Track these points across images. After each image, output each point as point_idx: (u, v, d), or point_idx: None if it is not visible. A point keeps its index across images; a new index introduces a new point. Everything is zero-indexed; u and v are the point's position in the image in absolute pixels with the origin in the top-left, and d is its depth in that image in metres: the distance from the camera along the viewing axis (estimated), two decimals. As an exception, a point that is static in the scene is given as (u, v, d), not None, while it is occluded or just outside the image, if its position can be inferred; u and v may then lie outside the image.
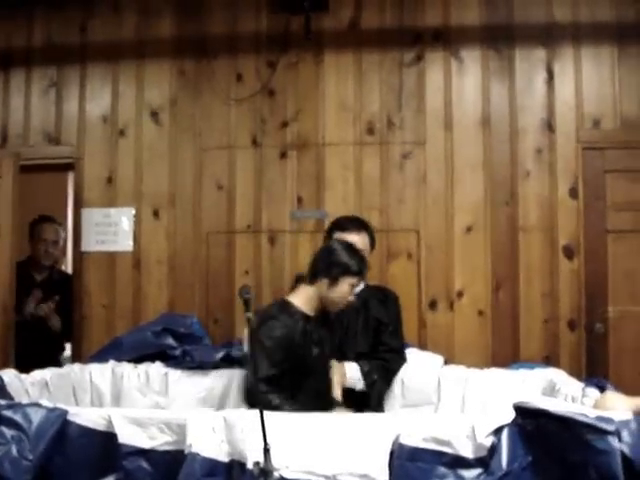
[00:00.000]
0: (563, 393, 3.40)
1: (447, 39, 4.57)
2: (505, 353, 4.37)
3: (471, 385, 3.92)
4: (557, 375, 3.76)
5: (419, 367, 3.93)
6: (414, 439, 2.52)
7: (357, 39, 4.63)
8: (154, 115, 4.74)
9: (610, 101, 4.48)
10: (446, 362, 4.12)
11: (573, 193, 4.44)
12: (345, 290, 3.32)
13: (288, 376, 3.20)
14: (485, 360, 4.30)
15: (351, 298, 3.39)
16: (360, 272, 3.35)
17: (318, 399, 3.33)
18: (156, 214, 4.70)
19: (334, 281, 3.30)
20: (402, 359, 3.84)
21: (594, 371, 4.23)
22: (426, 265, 4.45)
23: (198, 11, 4.71)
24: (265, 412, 2.41)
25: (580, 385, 3.37)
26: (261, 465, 2.32)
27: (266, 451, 2.33)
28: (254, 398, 3.07)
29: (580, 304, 4.40)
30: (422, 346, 4.26)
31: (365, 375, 3.61)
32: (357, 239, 3.59)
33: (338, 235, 3.64)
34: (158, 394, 4.13)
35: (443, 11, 4.58)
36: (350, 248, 3.39)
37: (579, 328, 4.39)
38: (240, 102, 4.67)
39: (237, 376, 4.13)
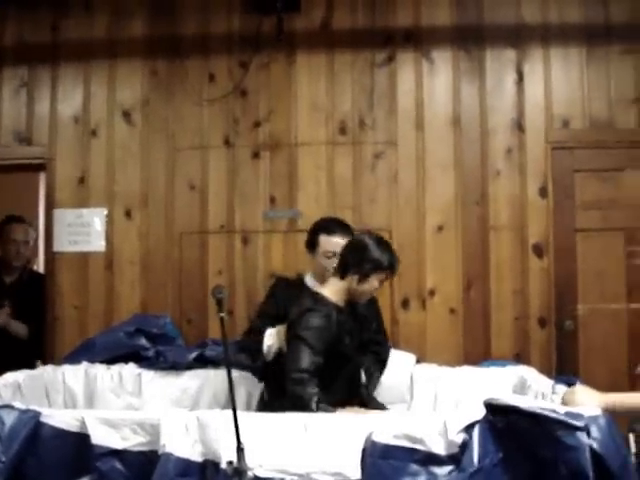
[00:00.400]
0: (534, 390, 3.46)
1: (418, 40, 4.60)
2: (477, 351, 4.41)
3: (443, 383, 3.97)
4: (528, 372, 3.81)
5: (392, 366, 3.95)
6: (386, 436, 2.54)
7: (329, 40, 4.64)
8: (126, 115, 4.72)
9: (579, 102, 4.53)
10: (418, 360, 4.19)
11: (543, 192, 4.48)
12: (375, 285, 3.35)
13: (325, 366, 3.22)
14: (457, 358, 4.34)
15: (378, 289, 3.44)
16: (391, 267, 3.37)
17: (351, 388, 3.43)
18: (128, 214, 4.68)
19: (365, 277, 3.31)
20: (389, 349, 3.94)
21: (564, 368, 4.28)
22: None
23: (170, 11, 4.70)
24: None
25: (550, 382, 3.43)
26: (234, 464, 2.33)
27: (240, 450, 2.35)
28: (297, 389, 3.11)
29: (550, 302, 4.45)
30: (395, 345, 4.25)
31: (365, 370, 3.67)
32: (343, 243, 3.60)
33: (324, 238, 3.67)
34: (131, 395, 4.13)
35: (414, 12, 4.60)
36: (382, 242, 3.39)
37: (549, 326, 4.43)
38: (212, 102, 4.66)
39: (211, 376, 4.15)
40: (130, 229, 4.68)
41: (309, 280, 3.81)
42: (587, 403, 2.59)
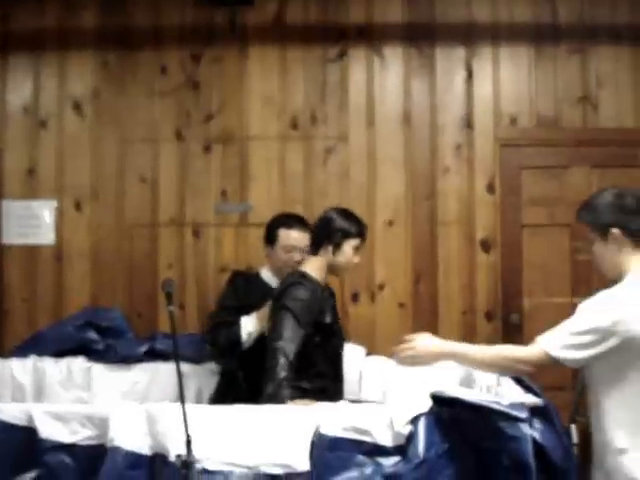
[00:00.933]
0: (479, 383, 3.51)
1: (370, 36, 4.63)
2: (425, 344, 4.46)
3: (392, 376, 4.01)
4: (474, 366, 3.88)
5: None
6: (334, 429, 2.58)
7: (282, 34, 4.64)
8: (76, 107, 4.66)
9: (527, 100, 4.61)
10: (368, 353, 4.23)
11: (490, 188, 4.56)
12: (349, 252, 3.43)
13: (309, 339, 3.29)
14: (406, 351, 4.38)
15: (356, 260, 3.49)
16: (360, 233, 3.47)
17: (336, 370, 3.53)
18: (78, 207, 4.63)
19: (337, 246, 3.41)
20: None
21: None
22: (348, 258, 4.51)
23: (122, 2, 4.65)
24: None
25: (494, 375, 3.49)
26: (183, 457, 2.35)
27: (188, 443, 2.36)
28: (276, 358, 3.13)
29: (497, 296, 4.53)
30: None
31: None
32: (302, 237, 3.69)
33: (284, 232, 3.74)
34: (81, 389, 4.12)
35: (367, 8, 4.63)
36: (347, 212, 3.52)
37: (495, 319, 4.52)
38: (164, 95, 4.64)
39: (161, 370, 4.15)
40: (80, 222, 4.63)
41: (265, 274, 3.87)
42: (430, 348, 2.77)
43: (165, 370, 4.14)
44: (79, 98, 4.68)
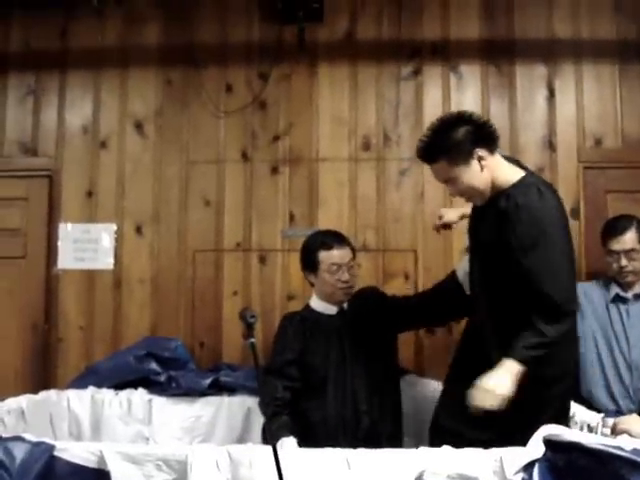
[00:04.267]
0: (578, 422, 3.23)
1: (446, 53, 4.44)
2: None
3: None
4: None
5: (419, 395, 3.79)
6: (439, 477, 2.38)
7: (352, 51, 4.47)
8: (138, 126, 4.52)
9: (612, 119, 4.39)
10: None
11: (574, 213, 4.30)
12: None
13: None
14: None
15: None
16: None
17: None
18: (139, 231, 4.47)
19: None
20: None
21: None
22: (424, 286, 4.22)
23: (187, 18, 4.51)
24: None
25: (594, 414, 3.22)
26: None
27: (284, 493, 2.12)
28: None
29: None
30: (420, 372, 4.10)
31: None
32: (344, 253, 3.45)
33: (323, 254, 3.46)
34: (141, 422, 3.94)
35: (442, 24, 4.45)
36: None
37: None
38: (230, 114, 4.47)
39: (226, 404, 3.98)
40: (140, 246, 4.46)
41: (314, 303, 3.59)
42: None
43: (230, 404, 3.98)
44: (141, 117, 4.54)
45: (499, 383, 2.66)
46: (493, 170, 2.84)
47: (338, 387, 3.36)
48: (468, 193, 2.89)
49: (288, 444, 3.06)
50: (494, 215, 2.84)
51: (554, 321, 2.68)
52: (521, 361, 2.67)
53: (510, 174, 2.87)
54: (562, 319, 2.71)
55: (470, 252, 3.16)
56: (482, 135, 2.84)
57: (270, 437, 2.50)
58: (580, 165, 4.36)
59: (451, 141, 2.81)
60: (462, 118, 2.89)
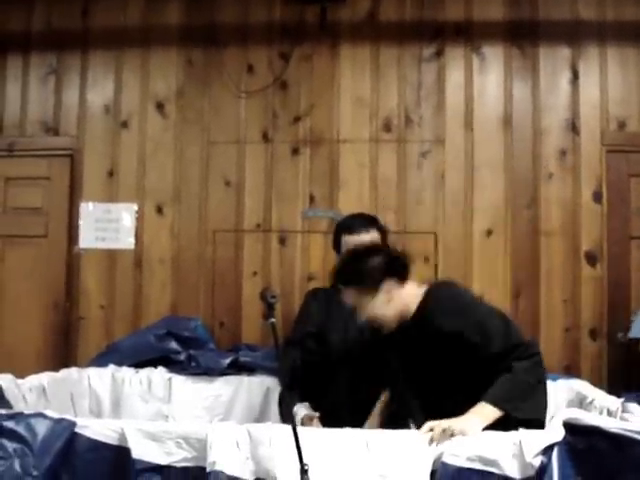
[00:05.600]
0: (597, 407, 3.22)
1: (469, 34, 4.40)
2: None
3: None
4: (583, 387, 3.60)
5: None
6: (458, 458, 2.36)
7: (375, 32, 4.44)
8: (159, 106, 4.53)
9: (636, 102, 4.34)
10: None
11: (597, 197, 4.28)
12: None
13: None
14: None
15: None
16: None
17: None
18: (160, 211, 4.48)
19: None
20: None
21: (615, 382, 4.07)
22: (443, 269, 4.26)
23: (208, -3, 4.50)
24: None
25: (613, 398, 3.20)
26: (299, 488, 2.12)
27: (303, 473, 2.13)
28: None
29: (602, 312, 4.25)
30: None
31: None
32: (367, 238, 3.39)
33: (347, 238, 3.45)
34: (161, 401, 3.96)
35: (465, 5, 4.41)
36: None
37: (601, 337, 4.23)
38: (251, 95, 4.46)
39: (245, 383, 4.00)
40: (161, 226, 4.48)
41: None
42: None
43: (249, 384, 3.99)
44: (162, 98, 4.54)
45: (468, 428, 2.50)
46: (404, 299, 2.85)
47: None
48: (373, 321, 2.90)
49: (303, 410, 3.13)
50: (420, 335, 2.83)
51: (523, 358, 2.68)
52: (496, 404, 2.61)
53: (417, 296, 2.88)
54: (529, 357, 2.71)
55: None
56: (394, 267, 2.84)
57: (286, 405, 2.52)
58: (603, 148, 4.32)
59: (361, 271, 2.82)
60: (375, 250, 2.94)
